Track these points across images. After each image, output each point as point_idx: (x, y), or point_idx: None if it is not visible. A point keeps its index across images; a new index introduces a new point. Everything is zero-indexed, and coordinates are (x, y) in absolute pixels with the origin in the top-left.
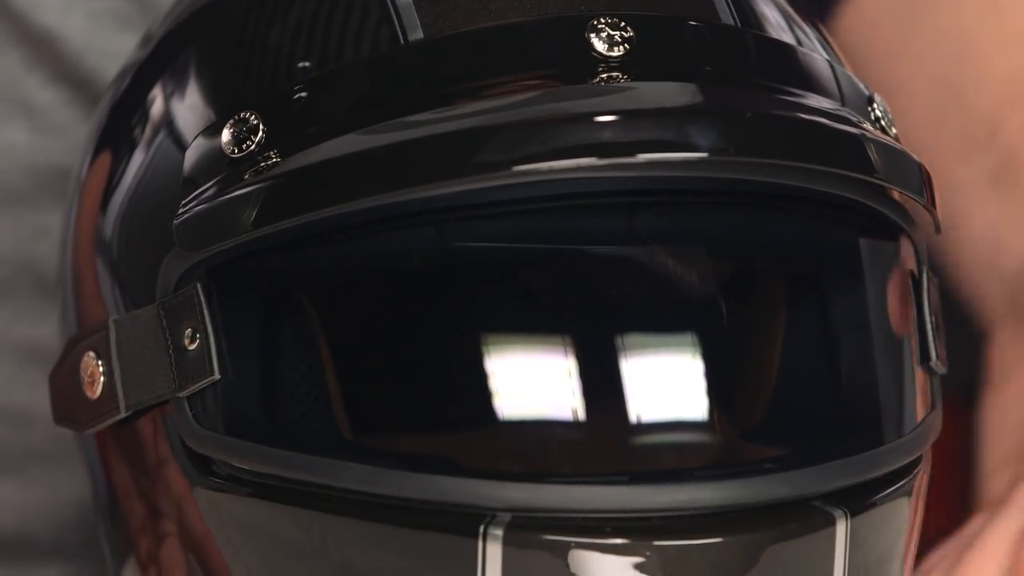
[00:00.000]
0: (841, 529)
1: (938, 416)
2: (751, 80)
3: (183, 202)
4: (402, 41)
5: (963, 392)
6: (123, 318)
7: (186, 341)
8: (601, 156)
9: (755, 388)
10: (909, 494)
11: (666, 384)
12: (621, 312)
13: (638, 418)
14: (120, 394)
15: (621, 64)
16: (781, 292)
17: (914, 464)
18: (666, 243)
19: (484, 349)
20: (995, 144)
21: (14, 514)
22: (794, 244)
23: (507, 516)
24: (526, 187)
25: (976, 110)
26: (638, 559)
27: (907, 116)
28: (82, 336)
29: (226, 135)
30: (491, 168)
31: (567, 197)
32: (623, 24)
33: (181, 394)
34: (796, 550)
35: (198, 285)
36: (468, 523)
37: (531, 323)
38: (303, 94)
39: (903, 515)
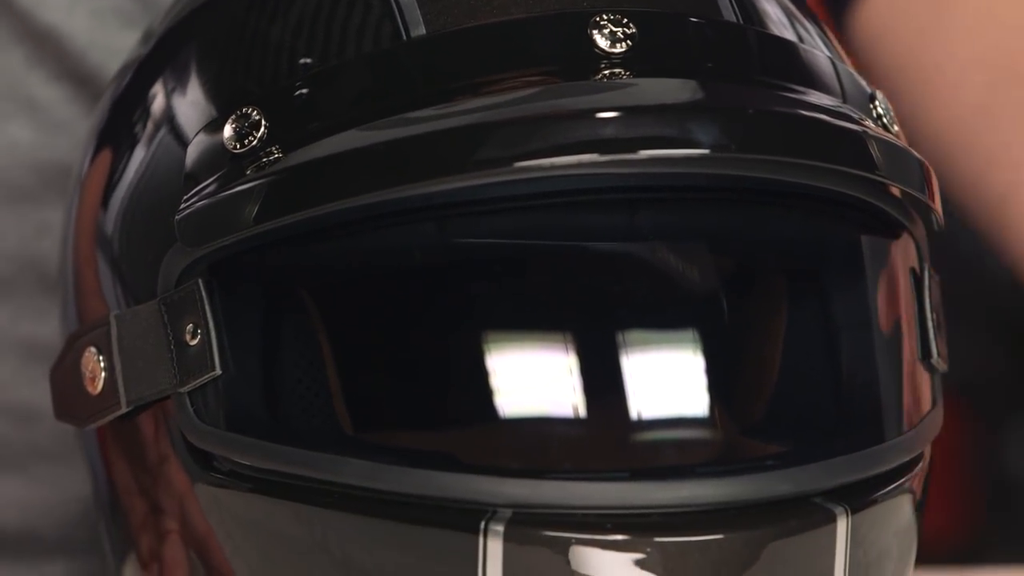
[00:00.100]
0: (842, 526)
1: (939, 413)
2: (752, 77)
3: (185, 198)
4: (404, 37)
5: (963, 391)
6: (124, 314)
7: (187, 336)
8: (603, 152)
9: (756, 385)
10: (910, 491)
11: (667, 380)
12: (622, 308)
13: (639, 414)
14: (121, 389)
15: (623, 60)
16: (782, 289)
17: (915, 461)
18: (667, 239)
19: (485, 345)
20: None
21: (18, 511)
22: (795, 241)
23: (508, 512)
24: (527, 183)
25: None
26: (639, 555)
27: (961, 89)
28: (83, 332)
29: (228, 131)
30: (492, 164)
31: (568, 193)
32: (625, 20)
33: (182, 389)
34: (797, 547)
35: (199, 281)
36: (469, 519)
37: (532, 319)
38: (305, 90)
39: (904, 512)
